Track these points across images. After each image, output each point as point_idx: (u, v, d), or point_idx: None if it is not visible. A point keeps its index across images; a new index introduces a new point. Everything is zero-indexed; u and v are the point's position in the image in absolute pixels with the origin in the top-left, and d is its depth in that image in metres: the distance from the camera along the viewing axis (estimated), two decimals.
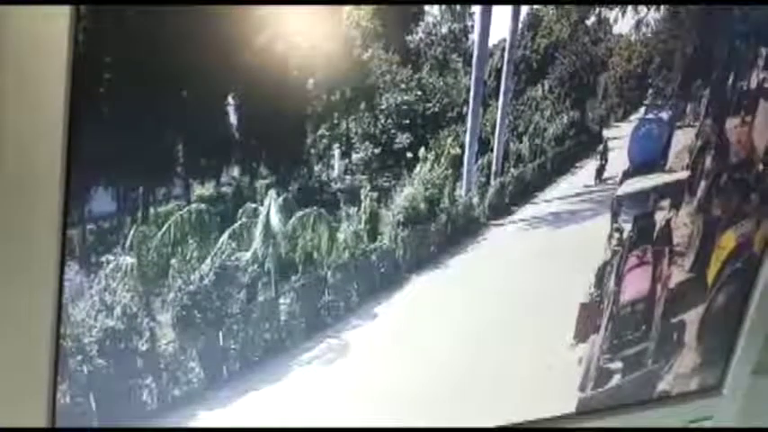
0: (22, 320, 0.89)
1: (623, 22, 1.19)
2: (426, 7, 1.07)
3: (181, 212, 0.97)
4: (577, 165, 1.25)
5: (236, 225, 1.01)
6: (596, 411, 1.38)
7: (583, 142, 1.25)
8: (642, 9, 1.19)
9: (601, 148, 1.25)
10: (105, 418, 0.99)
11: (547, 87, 1.19)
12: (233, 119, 0.98)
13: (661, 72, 1.24)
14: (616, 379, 1.38)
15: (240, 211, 1.01)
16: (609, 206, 1.27)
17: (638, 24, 1.20)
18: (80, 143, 0.85)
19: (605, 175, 1.26)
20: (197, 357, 1.03)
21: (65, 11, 0.80)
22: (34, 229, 0.86)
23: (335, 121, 1.05)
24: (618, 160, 1.26)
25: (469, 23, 1.10)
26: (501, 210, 1.20)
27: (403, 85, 1.08)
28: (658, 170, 1.29)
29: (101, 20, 0.83)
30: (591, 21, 1.17)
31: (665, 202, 1.31)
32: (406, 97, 1.09)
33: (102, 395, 0.98)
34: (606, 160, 1.26)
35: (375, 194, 1.10)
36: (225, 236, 1.00)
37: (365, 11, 1.01)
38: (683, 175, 1.31)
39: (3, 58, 0.79)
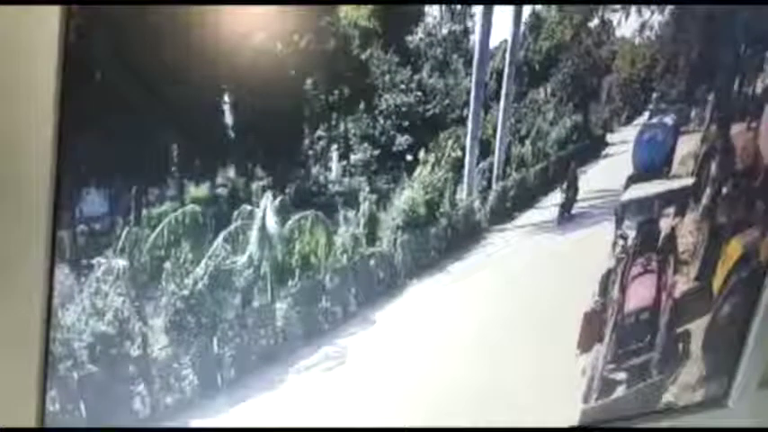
0: (10, 324, 0.88)
1: (627, 25, 1.18)
2: (426, 7, 1.07)
3: (175, 214, 0.97)
4: (580, 169, 1.24)
5: (232, 227, 1.00)
6: (600, 423, 1.36)
7: (586, 146, 1.23)
8: (646, 12, 1.18)
9: (566, 181, 1.23)
10: (96, 426, 0.97)
11: (549, 90, 1.18)
12: (228, 118, 0.97)
13: (665, 76, 1.23)
14: (620, 390, 1.36)
15: (235, 213, 1.00)
16: (613, 212, 1.25)
17: (641, 27, 1.19)
18: (70, 142, 0.84)
19: (574, 210, 1.23)
20: (191, 364, 1.02)
21: (55, 10, 0.79)
22: (23, 230, 0.85)
23: (333, 122, 1.04)
24: (621, 165, 1.25)
25: (470, 24, 1.09)
26: (503, 214, 1.19)
27: (403, 86, 1.08)
28: (663, 176, 1.28)
29: (92, 19, 0.82)
30: (594, 23, 1.17)
31: (670, 209, 1.30)
32: (405, 98, 1.08)
33: (92, 402, 0.96)
34: (576, 191, 1.23)
35: (374, 197, 1.09)
36: (220, 239, 1.00)
37: (364, 10, 1.00)
38: (688, 181, 1.29)
39: None
